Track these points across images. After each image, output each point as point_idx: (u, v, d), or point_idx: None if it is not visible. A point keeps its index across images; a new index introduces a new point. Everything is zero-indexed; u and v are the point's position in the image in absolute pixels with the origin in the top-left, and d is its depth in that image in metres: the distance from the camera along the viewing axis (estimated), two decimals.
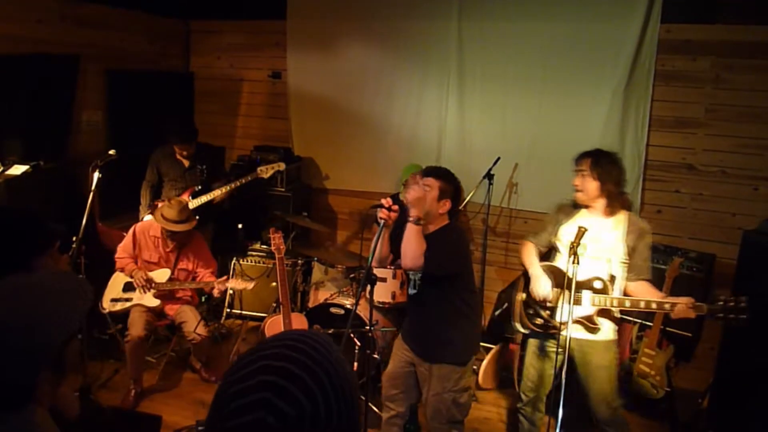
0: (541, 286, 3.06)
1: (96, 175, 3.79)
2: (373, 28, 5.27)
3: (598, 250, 2.99)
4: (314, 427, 0.84)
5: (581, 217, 3.09)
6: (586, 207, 3.10)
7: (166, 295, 4.14)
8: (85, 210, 3.72)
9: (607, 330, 3.04)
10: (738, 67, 4.32)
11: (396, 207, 2.80)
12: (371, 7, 5.24)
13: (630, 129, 4.61)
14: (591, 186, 3.00)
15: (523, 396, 3.34)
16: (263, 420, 0.81)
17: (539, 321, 3.12)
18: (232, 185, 4.62)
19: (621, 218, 3.01)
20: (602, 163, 3.00)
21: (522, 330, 3.23)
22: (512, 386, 4.51)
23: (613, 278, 2.99)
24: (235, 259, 5.10)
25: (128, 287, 4.08)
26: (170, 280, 4.12)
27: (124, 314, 4.04)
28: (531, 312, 3.15)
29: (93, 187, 3.79)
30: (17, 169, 3.90)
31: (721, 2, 4.35)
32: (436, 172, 2.92)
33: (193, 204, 4.50)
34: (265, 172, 4.77)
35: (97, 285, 4.07)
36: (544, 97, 4.83)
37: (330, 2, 5.37)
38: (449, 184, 2.89)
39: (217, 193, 4.58)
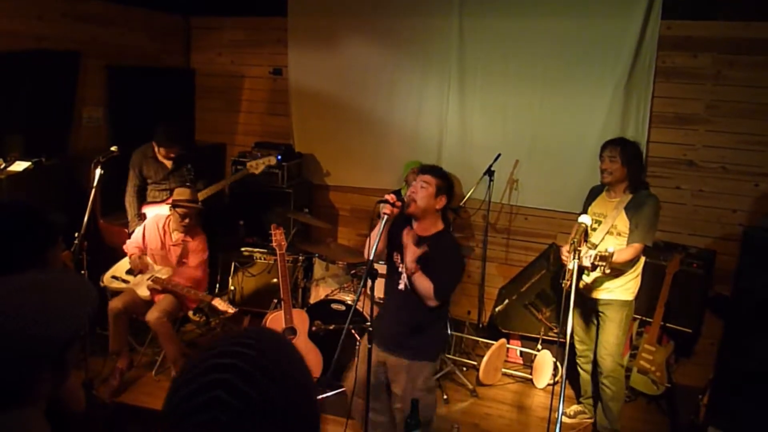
0: (563, 253, 3.57)
1: (98, 171, 3.80)
2: (374, 25, 5.27)
3: (607, 224, 3.50)
4: (268, 421, 0.85)
5: (601, 199, 3.65)
6: (608, 190, 3.60)
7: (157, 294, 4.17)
8: (86, 206, 3.73)
9: (621, 292, 3.54)
10: (738, 64, 4.32)
11: (399, 203, 2.91)
12: (372, 4, 5.23)
13: (631, 125, 4.61)
14: (619, 170, 3.46)
15: (576, 350, 3.92)
16: (217, 419, 0.82)
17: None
18: (223, 183, 4.58)
19: (627, 198, 3.49)
20: (629, 149, 3.48)
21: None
22: (512, 382, 4.53)
23: (593, 246, 3.49)
24: (235, 261, 5.12)
25: (131, 271, 4.20)
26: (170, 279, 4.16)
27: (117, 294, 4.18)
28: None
29: (95, 184, 3.79)
30: (19, 166, 3.90)
31: None
32: (433, 170, 3.09)
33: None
34: (256, 167, 4.71)
35: (98, 280, 4.13)
36: (544, 94, 4.83)
37: None
38: (445, 181, 3.06)
39: (210, 191, 4.54)
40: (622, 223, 3.45)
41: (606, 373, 3.65)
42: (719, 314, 4.34)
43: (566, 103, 4.78)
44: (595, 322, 3.76)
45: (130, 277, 4.20)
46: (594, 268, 3.24)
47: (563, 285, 3.50)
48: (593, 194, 3.74)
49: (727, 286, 4.12)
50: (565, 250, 3.51)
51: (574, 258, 2.86)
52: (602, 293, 3.58)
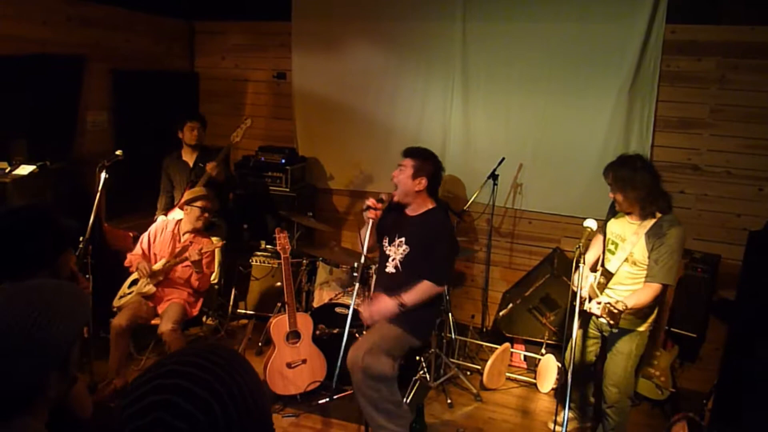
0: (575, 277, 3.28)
1: (103, 175, 3.81)
2: (378, 29, 5.28)
3: (624, 250, 3.17)
4: None
5: (621, 218, 3.28)
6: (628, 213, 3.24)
7: (161, 292, 4.17)
8: (91, 210, 3.74)
9: (634, 320, 3.20)
10: (743, 68, 4.31)
11: (380, 205, 3.06)
12: (376, 8, 5.24)
13: (635, 129, 4.61)
14: (620, 198, 3.13)
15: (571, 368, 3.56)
16: None
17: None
18: (211, 164, 4.58)
19: (649, 223, 3.11)
20: (621, 175, 3.08)
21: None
22: (516, 386, 4.52)
23: (608, 273, 3.20)
24: (239, 265, 5.12)
25: (133, 284, 4.20)
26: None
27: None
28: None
29: (100, 188, 3.81)
30: (24, 169, 3.92)
31: (726, 3, 4.34)
32: (411, 151, 3.09)
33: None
34: (237, 136, 4.79)
35: (102, 284, 4.12)
36: (548, 98, 4.83)
37: (335, 3, 5.38)
38: (424, 161, 3.05)
39: (204, 179, 4.54)
40: (640, 252, 3.11)
41: (610, 403, 3.41)
42: (724, 319, 4.33)
43: (570, 107, 4.77)
44: (596, 345, 3.56)
45: (133, 288, 4.19)
46: (599, 317, 2.91)
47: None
48: (615, 209, 3.37)
49: (732, 290, 4.10)
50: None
51: (582, 262, 2.83)
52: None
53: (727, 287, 4.27)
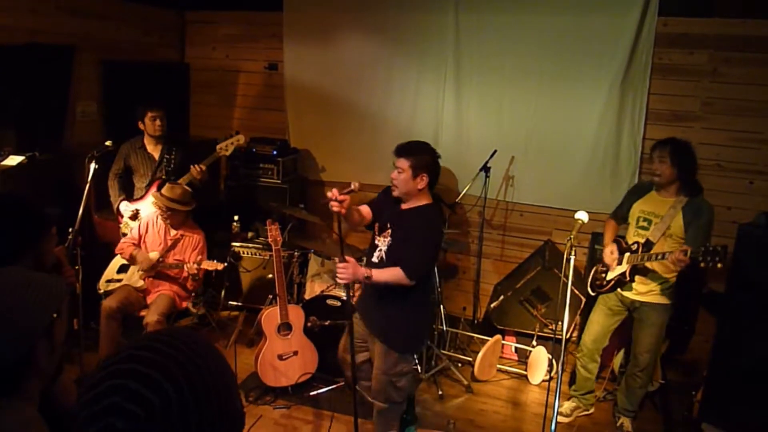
0: (606, 254, 3.70)
1: (92, 166, 3.78)
2: (371, 20, 5.25)
3: (664, 224, 3.45)
4: (169, 423, 0.83)
5: (651, 197, 3.60)
6: (659, 189, 3.56)
7: (151, 284, 4.16)
8: (81, 201, 3.71)
9: (662, 295, 3.56)
10: (735, 61, 4.32)
11: (346, 197, 2.83)
12: None
13: (627, 122, 4.62)
14: (669, 171, 3.43)
15: (583, 347, 3.92)
16: (113, 426, 0.81)
17: (605, 282, 3.72)
18: (194, 171, 4.38)
19: (684, 200, 3.43)
20: (681, 151, 3.44)
21: (592, 293, 3.86)
22: (507, 378, 4.54)
23: (650, 243, 3.49)
24: (230, 256, 5.09)
25: (122, 269, 4.19)
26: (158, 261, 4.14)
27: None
28: (602, 275, 3.75)
29: (89, 179, 3.78)
30: (13, 160, 3.89)
31: None
32: (405, 149, 2.93)
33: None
34: (226, 149, 4.63)
35: (93, 275, 4.10)
36: (540, 90, 4.82)
37: None
38: (421, 157, 2.90)
39: (182, 182, 4.35)
40: (677, 226, 3.41)
41: (642, 367, 3.72)
42: (713, 311, 4.35)
43: (562, 100, 4.77)
44: (612, 322, 3.81)
45: (122, 275, 4.18)
46: (707, 263, 3.07)
47: (598, 282, 3.75)
48: (639, 191, 3.71)
49: (722, 283, 4.13)
50: (608, 251, 3.67)
51: (571, 254, 2.86)
52: (647, 297, 3.59)
53: (717, 280, 4.29)
